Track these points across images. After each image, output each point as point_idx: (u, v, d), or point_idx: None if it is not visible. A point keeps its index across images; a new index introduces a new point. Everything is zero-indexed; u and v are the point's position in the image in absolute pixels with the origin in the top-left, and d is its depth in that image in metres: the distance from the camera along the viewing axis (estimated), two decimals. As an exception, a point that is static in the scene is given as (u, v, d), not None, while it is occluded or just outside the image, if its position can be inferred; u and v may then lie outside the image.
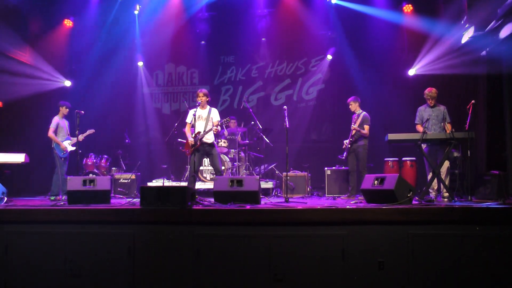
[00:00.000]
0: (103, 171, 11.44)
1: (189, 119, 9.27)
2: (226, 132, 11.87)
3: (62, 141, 10.28)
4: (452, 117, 9.24)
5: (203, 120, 9.10)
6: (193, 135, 9.00)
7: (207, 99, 9.24)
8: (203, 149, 9.05)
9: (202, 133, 8.96)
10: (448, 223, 6.20)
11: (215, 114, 9.20)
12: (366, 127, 9.85)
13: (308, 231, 6.32)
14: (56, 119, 10.37)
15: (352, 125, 9.88)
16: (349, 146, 9.99)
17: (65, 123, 10.54)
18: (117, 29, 13.52)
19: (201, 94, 9.15)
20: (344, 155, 10.15)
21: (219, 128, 9.14)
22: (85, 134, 10.65)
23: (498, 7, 9.20)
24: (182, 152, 11.47)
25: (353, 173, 10.02)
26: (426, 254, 6.11)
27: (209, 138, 9.04)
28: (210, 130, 8.96)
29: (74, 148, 10.45)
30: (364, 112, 10.00)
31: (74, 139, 10.44)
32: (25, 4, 12.23)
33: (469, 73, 10.83)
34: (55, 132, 10.27)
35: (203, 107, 9.21)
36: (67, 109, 10.54)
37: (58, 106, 10.55)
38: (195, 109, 9.14)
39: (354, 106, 10.19)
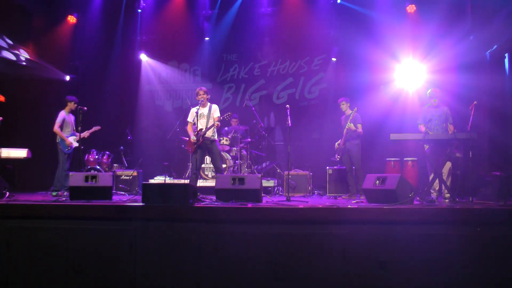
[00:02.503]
0: (105, 167, 11.43)
1: (190, 118, 9.31)
2: (230, 134, 11.90)
3: (68, 137, 10.23)
4: (454, 118, 9.23)
5: (205, 117, 9.13)
6: (195, 132, 9.04)
7: (208, 97, 9.28)
8: (205, 146, 9.08)
9: (204, 130, 9.00)
10: (450, 224, 6.21)
11: (215, 110, 9.22)
12: (359, 125, 9.87)
13: (310, 230, 6.33)
14: (62, 114, 10.30)
15: (348, 123, 9.87)
16: (343, 146, 10.00)
17: (71, 119, 10.49)
18: (120, 26, 13.54)
19: (201, 92, 9.18)
20: (337, 157, 10.16)
21: (219, 124, 9.11)
22: (90, 131, 10.65)
23: (502, 7, 9.20)
24: (184, 149, 11.50)
25: (350, 172, 10.04)
26: (427, 254, 6.12)
27: (210, 134, 9.08)
28: (212, 126, 8.99)
29: (77, 144, 10.46)
30: (355, 112, 9.99)
31: (81, 135, 10.43)
32: (29, 0, 12.26)
33: (472, 73, 10.82)
34: (61, 127, 10.21)
35: (204, 105, 9.24)
36: (75, 105, 10.40)
37: (65, 101, 10.45)
38: (197, 108, 9.18)
39: (345, 106, 10.21)
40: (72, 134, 10.36)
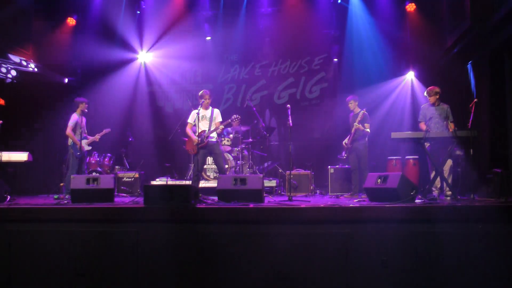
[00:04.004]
0: (107, 169, 11.43)
1: (191, 119, 9.43)
2: (231, 135, 11.93)
3: (79, 140, 10.12)
4: (455, 116, 9.23)
5: (207, 120, 9.28)
6: (197, 134, 9.08)
7: (210, 100, 9.43)
8: (208, 147, 9.19)
9: (207, 132, 9.11)
10: (451, 222, 6.21)
11: (218, 115, 9.39)
12: (367, 125, 9.87)
13: (312, 230, 6.34)
14: (75, 117, 10.18)
15: (356, 124, 9.86)
16: (350, 145, 9.99)
17: (83, 121, 10.37)
18: (120, 27, 13.53)
19: (207, 96, 9.33)
20: (344, 155, 10.15)
21: (223, 127, 9.30)
22: (101, 134, 10.72)
23: (501, 5, 9.19)
24: (185, 151, 11.52)
25: (355, 171, 10.02)
26: (429, 252, 6.12)
27: (213, 137, 9.21)
28: (215, 130, 9.15)
29: (90, 147, 10.49)
30: (363, 111, 9.99)
31: (91, 138, 10.48)
32: (28, 2, 12.23)
33: (472, 71, 10.82)
34: (73, 130, 10.10)
35: (206, 107, 9.35)
36: (87, 105, 10.36)
37: (75, 103, 10.32)
38: (198, 109, 9.24)
39: (353, 104, 10.20)
40: (84, 138, 10.32)
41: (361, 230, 6.25)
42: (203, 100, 9.27)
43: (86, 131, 10.45)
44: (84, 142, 10.24)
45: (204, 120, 9.27)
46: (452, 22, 11.13)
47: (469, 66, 10.82)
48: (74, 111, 10.25)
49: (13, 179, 10.79)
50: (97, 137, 10.61)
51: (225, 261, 6.35)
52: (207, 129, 9.16)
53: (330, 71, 13.70)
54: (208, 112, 9.34)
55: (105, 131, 10.81)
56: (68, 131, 10.04)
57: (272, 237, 6.34)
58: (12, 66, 10.90)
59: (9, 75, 10.86)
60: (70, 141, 10.08)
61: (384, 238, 6.21)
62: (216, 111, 9.41)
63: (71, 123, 10.09)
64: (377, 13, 12.61)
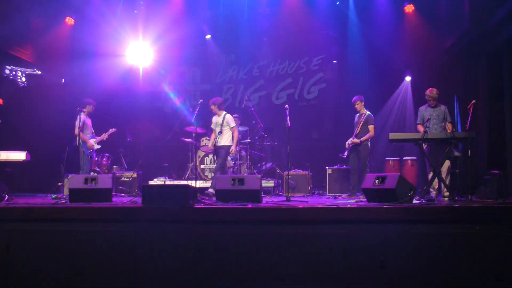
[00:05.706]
0: (105, 169, 11.41)
1: (213, 125, 10.09)
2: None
3: (88, 139, 10.35)
4: (453, 117, 9.24)
5: (219, 126, 9.85)
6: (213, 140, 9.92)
7: (216, 107, 9.97)
8: (217, 151, 9.87)
9: (217, 138, 9.82)
10: (449, 222, 6.21)
11: (228, 121, 9.87)
12: (371, 126, 9.86)
13: (309, 230, 6.33)
14: (82, 117, 10.20)
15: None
16: (351, 145, 9.98)
17: (90, 121, 10.58)
18: (117, 27, 13.50)
19: (216, 102, 9.98)
20: (345, 154, 10.15)
21: (236, 133, 9.89)
22: (108, 133, 10.91)
23: (499, 6, 9.21)
24: (183, 151, 11.63)
25: (354, 172, 10.02)
26: (427, 253, 6.12)
27: (223, 141, 9.80)
28: (220, 134, 9.79)
29: (99, 146, 10.55)
30: (368, 112, 10.00)
31: (100, 137, 10.66)
32: (27, 1, 12.22)
33: (470, 72, 10.83)
34: (81, 130, 10.12)
35: (219, 113, 9.96)
36: (94, 107, 10.61)
37: (84, 103, 10.43)
38: (216, 116, 9.97)
39: (360, 105, 10.15)
40: (92, 137, 10.50)
41: (359, 231, 6.25)
42: (217, 108, 9.93)
43: (93, 131, 10.53)
44: (93, 141, 10.42)
45: (218, 126, 9.88)
46: (451, 23, 11.15)
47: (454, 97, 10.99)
48: (75, 110, 10.25)
49: (11, 179, 10.78)
50: (104, 136, 10.80)
51: (222, 262, 6.35)
52: (216, 134, 9.82)
53: (329, 71, 13.70)
54: (220, 118, 9.88)
55: (111, 130, 10.98)
56: (76, 130, 10.05)
57: (270, 237, 6.33)
58: (24, 70, 11.02)
59: (21, 80, 11.04)
60: (79, 141, 10.07)
61: (382, 238, 6.20)
62: (227, 117, 9.88)
63: (78, 123, 10.08)
64: (375, 15, 12.61)
